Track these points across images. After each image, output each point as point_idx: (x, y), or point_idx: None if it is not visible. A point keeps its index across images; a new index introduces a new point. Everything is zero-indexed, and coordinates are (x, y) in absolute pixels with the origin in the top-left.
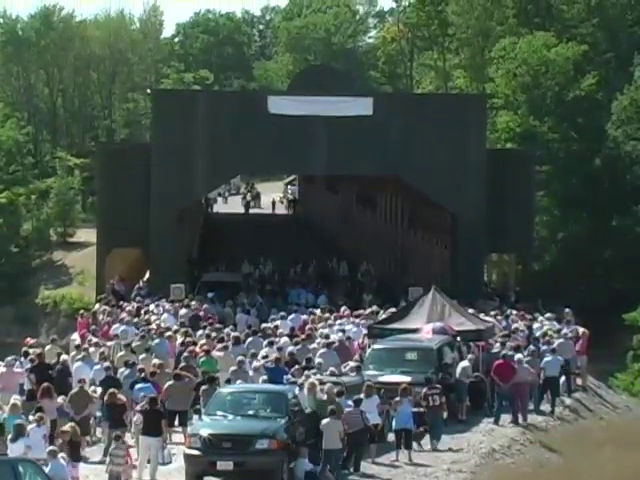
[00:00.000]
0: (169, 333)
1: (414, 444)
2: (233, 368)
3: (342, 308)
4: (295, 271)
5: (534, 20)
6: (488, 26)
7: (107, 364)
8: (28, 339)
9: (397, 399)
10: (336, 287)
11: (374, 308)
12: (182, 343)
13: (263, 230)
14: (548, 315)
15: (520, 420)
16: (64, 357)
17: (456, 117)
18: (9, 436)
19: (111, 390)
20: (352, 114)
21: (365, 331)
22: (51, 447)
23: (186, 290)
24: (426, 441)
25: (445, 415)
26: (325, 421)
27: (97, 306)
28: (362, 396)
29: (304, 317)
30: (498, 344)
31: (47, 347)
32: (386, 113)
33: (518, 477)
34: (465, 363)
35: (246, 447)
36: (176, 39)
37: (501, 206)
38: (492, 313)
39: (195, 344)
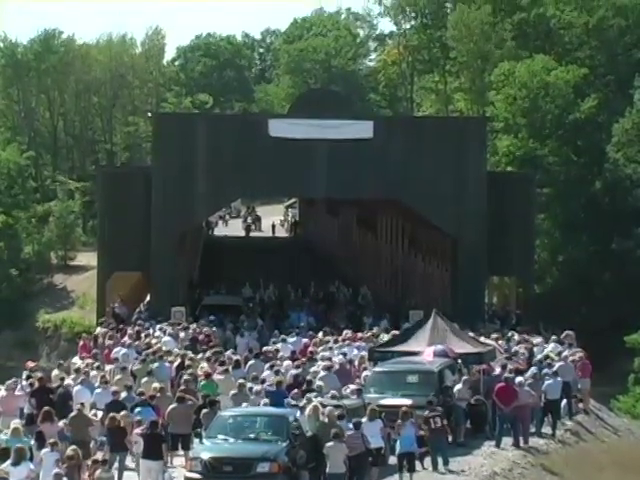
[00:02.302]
0: (170, 357)
1: (417, 465)
2: (234, 391)
3: (343, 331)
4: (296, 294)
5: (534, 43)
6: (487, 50)
7: (115, 388)
8: (29, 362)
9: (400, 422)
10: (337, 310)
11: (375, 331)
12: (182, 366)
13: (264, 253)
14: (552, 337)
15: (521, 443)
16: (67, 381)
17: (456, 140)
18: (9, 461)
19: (111, 414)
20: (352, 137)
21: (365, 354)
22: (56, 470)
23: (187, 313)
24: (427, 463)
25: (450, 438)
26: (329, 444)
27: (98, 329)
28: (365, 419)
29: (305, 340)
30: (499, 367)
31: (54, 372)
32: (386, 136)
33: None
34: (459, 386)
35: (247, 470)
36: (177, 62)
37: (502, 229)
38: (493, 336)
39: (195, 367)
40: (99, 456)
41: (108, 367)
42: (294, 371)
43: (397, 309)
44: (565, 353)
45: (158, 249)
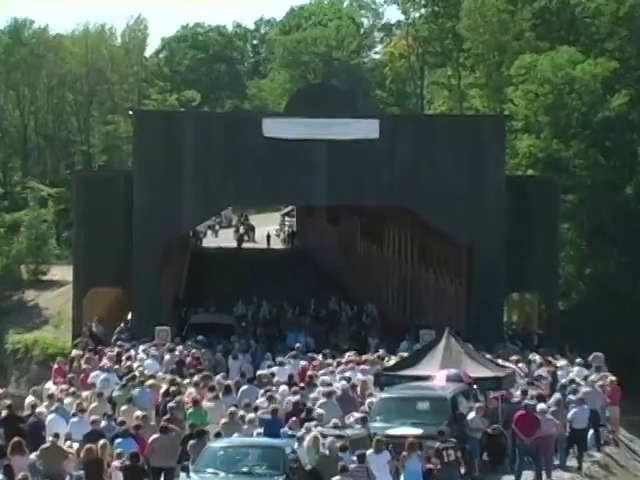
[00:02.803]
0: (152, 381)
1: None
2: (224, 420)
3: (346, 353)
4: (293, 312)
5: (557, 34)
6: (505, 41)
7: (93, 417)
8: None
9: (405, 454)
10: (339, 330)
11: (380, 353)
12: (167, 392)
13: (258, 266)
14: (578, 360)
15: (544, 477)
16: (39, 409)
17: (472, 141)
18: None
19: (88, 445)
20: (356, 138)
21: (371, 378)
22: None
23: (172, 333)
24: None
25: (462, 471)
26: (335, 479)
27: (74, 351)
28: (370, 451)
29: (303, 363)
30: (519, 393)
31: (28, 399)
32: (394, 136)
33: None
34: (472, 414)
35: None
36: (161, 55)
37: (522, 240)
38: (513, 358)
39: (182, 393)
40: None
41: (85, 393)
42: (291, 398)
43: (406, 328)
44: (592, 377)
45: (140, 262)
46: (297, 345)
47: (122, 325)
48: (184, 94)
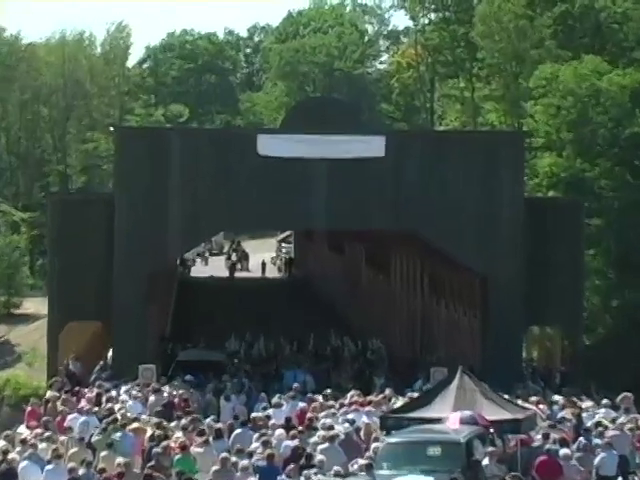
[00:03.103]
0: (136, 425)
1: None
2: (215, 468)
3: (349, 393)
4: (291, 348)
5: (580, 41)
6: (523, 49)
7: (70, 464)
8: None
9: None
10: (341, 368)
11: (387, 393)
12: (152, 437)
13: (252, 298)
14: (604, 401)
15: None
16: (11, 455)
17: (487, 159)
18: None
19: None
20: (360, 156)
21: (377, 421)
22: None
23: (158, 372)
24: None
25: None
26: None
27: (49, 392)
28: None
29: (302, 404)
30: (540, 437)
31: None
32: (401, 155)
33: None
34: (485, 461)
35: None
36: (145, 65)
37: (543, 268)
38: (533, 399)
39: (168, 438)
40: None
41: (62, 438)
42: (289, 442)
43: (415, 366)
44: (621, 420)
45: (122, 294)
46: (295, 385)
47: (102, 363)
48: (170, 109)
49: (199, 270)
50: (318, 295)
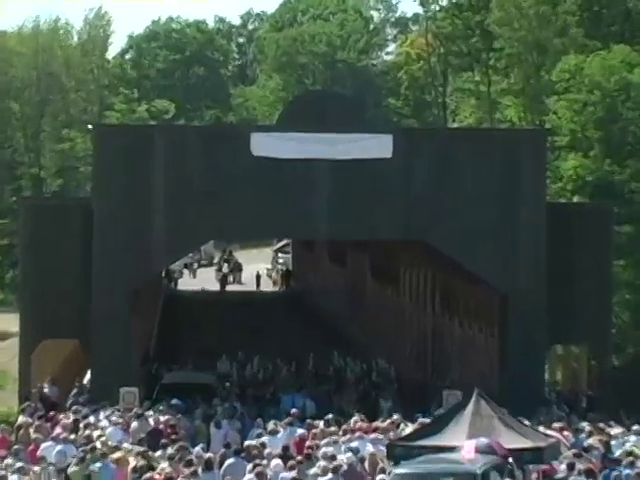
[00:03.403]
0: (117, 454)
1: None
2: None
3: (353, 419)
4: (288, 370)
5: (607, 30)
6: (545, 38)
7: None
8: None
9: None
10: (344, 391)
11: (395, 418)
12: (134, 468)
13: (245, 314)
14: (635, 427)
15: None
16: None
17: (505, 160)
18: None
19: None
20: (365, 157)
21: (383, 450)
22: None
23: (141, 396)
24: None
25: None
26: None
27: (21, 418)
28: None
29: (301, 431)
30: (565, 467)
31: None
32: (411, 155)
33: None
34: None
35: None
36: (127, 56)
37: (568, 281)
38: (556, 426)
39: (153, 469)
40: None
41: (35, 469)
42: (286, 474)
43: (426, 389)
44: None
45: (101, 310)
46: (293, 410)
47: (79, 386)
48: (155, 104)
49: (187, 283)
50: (318, 311)
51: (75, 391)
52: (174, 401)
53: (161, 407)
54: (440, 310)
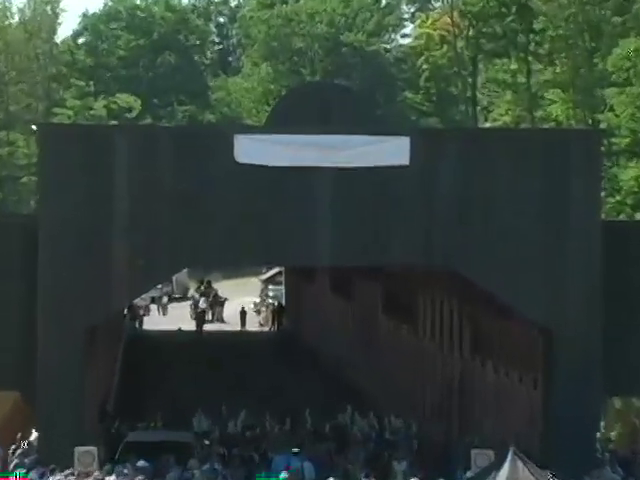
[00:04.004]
0: None
1: None
2: None
3: None
4: (281, 426)
5: None
6: (598, 18)
7: None
8: None
9: None
10: (350, 450)
11: None
12: None
13: (228, 359)
14: None
15: None
16: None
17: (549, 168)
18: None
19: None
20: (375, 164)
21: None
22: None
23: (100, 457)
24: None
25: None
26: None
27: None
28: None
29: None
30: None
31: None
32: (433, 162)
33: None
34: None
35: None
36: (81, 41)
37: (627, 319)
38: None
39: None
40: None
41: None
42: None
43: (450, 447)
44: None
45: (49, 356)
46: (284, 476)
47: (23, 445)
48: (116, 99)
49: (155, 321)
50: (318, 355)
51: (19, 451)
52: (141, 463)
53: (125, 470)
54: (469, 353)
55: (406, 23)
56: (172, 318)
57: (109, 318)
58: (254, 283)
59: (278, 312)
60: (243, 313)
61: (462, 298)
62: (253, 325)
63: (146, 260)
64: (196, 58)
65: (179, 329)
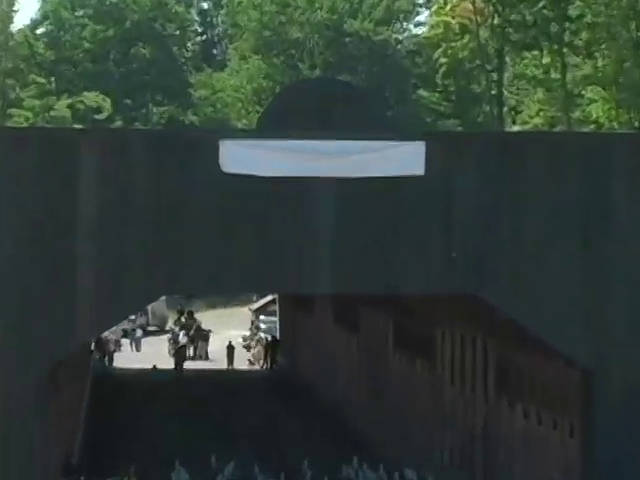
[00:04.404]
0: None
1: None
2: None
3: None
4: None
5: None
6: None
7: None
8: None
9: None
10: None
11: None
12: None
13: (213, 402)
14: None
15: None
16: None
17: (590, 179)
18: None
19: None
20: (385, 174)
21: None
22: None
23: None
24: None
25: None
26: None
27: None
28: None
29: None
30: None
31: None
32: (453, 171)
33: None
34: None
35: None
36: (40, 30)
37: None
38: None
39: None
40: None
41: None
42: None
43: None
44: None
45: (2, 399)
46: None
47: None
48: (82, 98)
49: (127, 358)
50: (318, 396)
51: None
52: None
53: None
54: (495, 394)
55: (420, 10)
56: (147, 355)
57: (73, 355)
58: (243, 313)
59: (272, 347)
60: (230, 349)
61: (487, 330)
62: (242, 363)
63: (114, 288)
64: (175, 50)
65: (154, 367)
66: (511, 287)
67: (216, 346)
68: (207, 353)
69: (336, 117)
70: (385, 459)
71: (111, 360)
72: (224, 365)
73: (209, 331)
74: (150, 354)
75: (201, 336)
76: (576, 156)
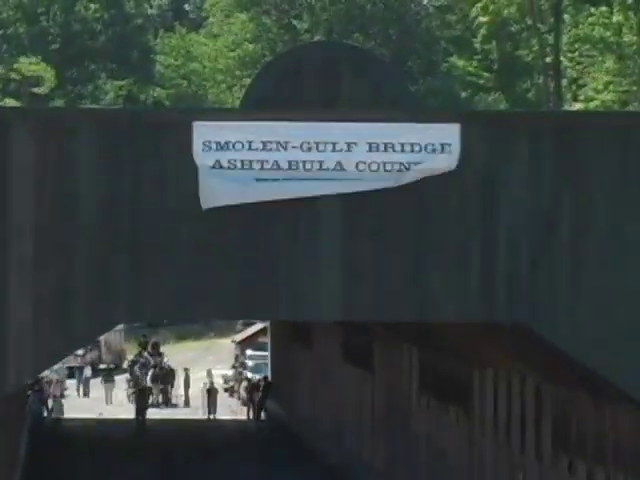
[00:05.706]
0: None
1: None
2: None
3: None
4: None
5: None
6: None
7: None
8: None
9: None
10: None
11: None
12: None
13: (184, 464)
14: None
15: None
16: None
17: None
18: None
19: None
20: (408, 167)
21: None
22: None
23: None
24: None
25: None
26: None
27: None
28: None
29: None
30: None
31: None
32: (496, 162)
33: None
34: None
35: None
36: None
37: None
38: None
39: None
40: None
41: None
42: None
43: None
44: None
45: None
46: None
47: None
48: (19, 66)
49: (73, 405)
50: (322, 455)
51: None
52: None
53: None
54: (550, 450)
55: None
56: (98, 401)
57: (4, 399)
58: (225, 347)
59: (264, 389)
60: (211, 392)
61: (539, 371)
62: (224, 411)
63: (56, 317)
64: (133, 6)
65: (100, 415)
66: (569, 316)
67: (191, 389)
68: (177, 398)
69: (344, 92)
70: None
71: (48, 409)
72: (200, 414)
73: (171, 369)
74: (102, 400)
75: (168, 373)
76: None
